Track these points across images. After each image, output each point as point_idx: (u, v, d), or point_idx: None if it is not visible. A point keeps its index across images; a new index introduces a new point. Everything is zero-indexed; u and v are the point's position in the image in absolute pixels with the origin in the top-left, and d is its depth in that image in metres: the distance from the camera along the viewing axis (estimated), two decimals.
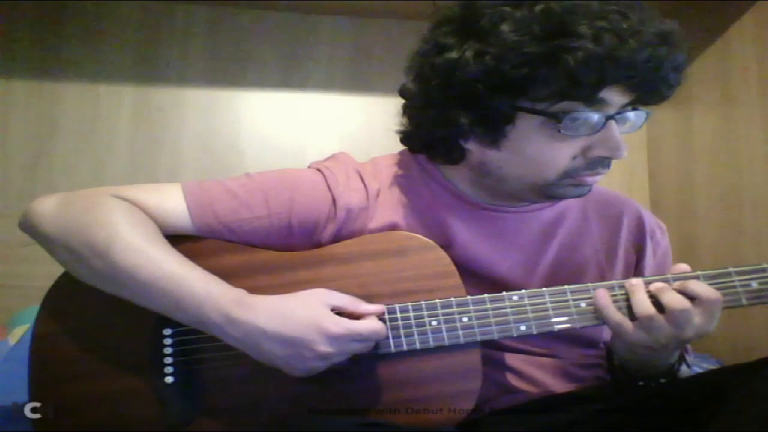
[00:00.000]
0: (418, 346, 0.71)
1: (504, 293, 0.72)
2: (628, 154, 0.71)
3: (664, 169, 1.76)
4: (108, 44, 1.61)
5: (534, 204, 0.82)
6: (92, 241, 0.70)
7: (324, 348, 0.66)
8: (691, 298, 0.66)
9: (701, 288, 0.66)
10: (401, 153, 0.88)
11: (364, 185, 0.81)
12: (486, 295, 0.72)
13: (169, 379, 0.73)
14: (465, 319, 0.71)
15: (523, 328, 0.71)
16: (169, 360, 0.74)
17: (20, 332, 1.19)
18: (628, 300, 0.69)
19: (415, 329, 0.72)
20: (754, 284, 0.69)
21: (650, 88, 0.69)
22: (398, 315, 0.72)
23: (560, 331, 0.71)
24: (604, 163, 0.72)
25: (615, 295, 0.70)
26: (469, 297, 0.72)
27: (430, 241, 0.76)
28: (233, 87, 1.66)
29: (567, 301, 0.71)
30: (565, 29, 0.63)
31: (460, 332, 0.71)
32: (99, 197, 0.74)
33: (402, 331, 0.72)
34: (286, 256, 0.77)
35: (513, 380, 0.80)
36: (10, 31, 1.56)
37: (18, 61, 1.56)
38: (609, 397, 0.77)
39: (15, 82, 1.56)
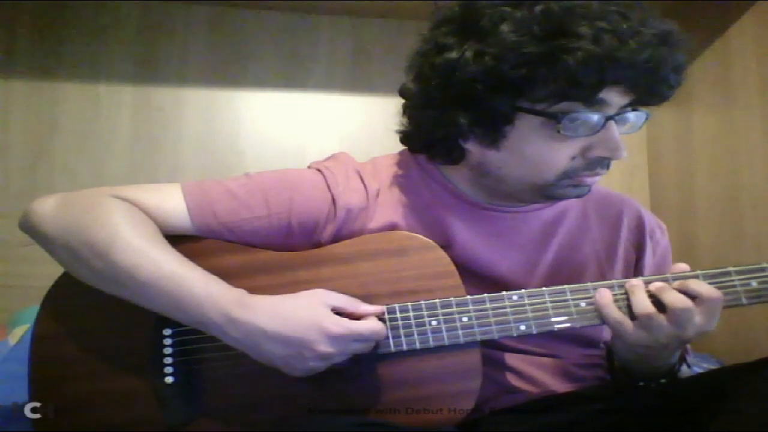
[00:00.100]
0: (417, 345, 0.71)
1: (503, 293, 0.72)
2: (628, 154, 0.71)
3: (664, 169, 1.76)
4: (108, 44, 1.61)
5: (534, 204, 0.82)
6: (92, 241, 0.70)
7: (324, 348, 0.66)
8: (692, 297, 0.66)
9: (702, 287, 0.66)
10: (401, 153, 0.88)
11: (364, 185, 0.81)
12: (486, 294, 0.72)
13: (169, 379, 0.73)
14: (465, 319, 0.71)
15: (522, 327, 0.71)
16: (169, 360, 0.74)
17: (20, 332, 1.19)
18: (628, 300, 0.69)
19: (414, 329, 0.72)
20: (754, 283, 0.69)
21: (650, 88, 0.69)
22: (398, 315, 0.72)
23: (560, 330, 0.71)
24: (603, 163, 0.72)
25: (615, 295, 0.70)
26: (468, 297, 0.72)
27: (430, 241, 0.76)
28: (233, 87, 1.66)
29: (567, 300, 0.71)
30: (564, 30, 0.63)
31: (460, 332, 0.71)
32: (99, 197, 0.74)
33: (402, 331, 0.72)
34: (285, 256, 0.77)
35: (513, 380, 0.80)
36: (10, 31, 1.56)
37: (18, 61, 1.56)
38: (609, 397, 0.77)
39: (15, 82, 1.56)
